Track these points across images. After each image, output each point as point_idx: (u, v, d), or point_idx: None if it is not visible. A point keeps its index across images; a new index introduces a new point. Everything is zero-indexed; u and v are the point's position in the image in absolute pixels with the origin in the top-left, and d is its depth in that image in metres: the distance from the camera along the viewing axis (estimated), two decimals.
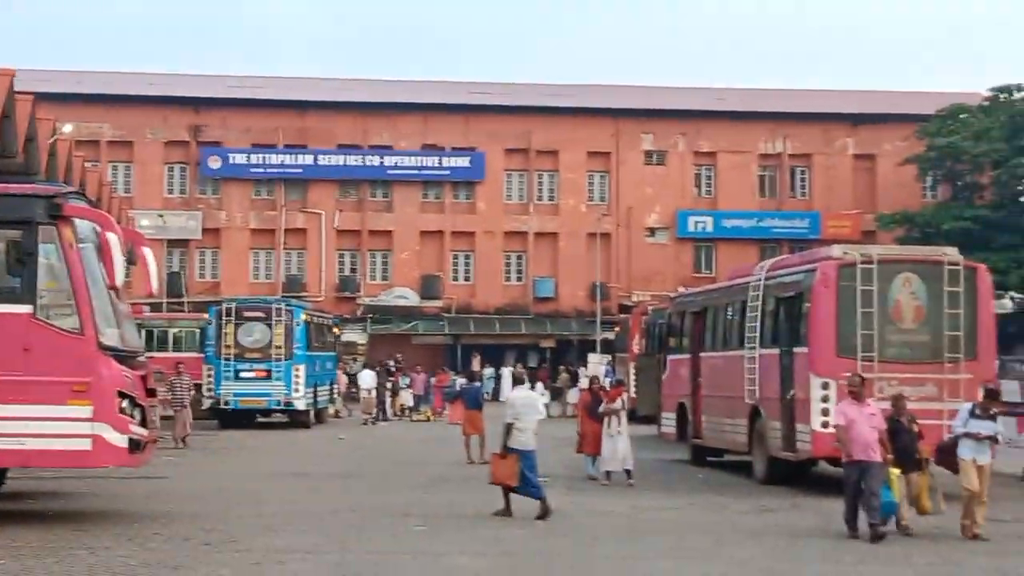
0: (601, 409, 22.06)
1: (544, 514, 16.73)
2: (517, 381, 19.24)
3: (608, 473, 21.81)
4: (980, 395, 16.84)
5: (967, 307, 20.13)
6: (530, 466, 17.01)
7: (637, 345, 38.53)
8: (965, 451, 15.81)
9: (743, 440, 22.90)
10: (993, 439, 16.05)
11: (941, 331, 20.02)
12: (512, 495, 17.05)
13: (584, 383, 47.06)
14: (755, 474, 22.22)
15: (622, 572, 12.79)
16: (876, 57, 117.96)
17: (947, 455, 16.10)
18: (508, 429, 17.11)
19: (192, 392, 31.15)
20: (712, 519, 17.53)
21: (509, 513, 16.96)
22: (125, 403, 15.20)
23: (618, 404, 22.08)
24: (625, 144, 64.11)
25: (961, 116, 58.74)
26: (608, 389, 23.42)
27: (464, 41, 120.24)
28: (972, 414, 15.94)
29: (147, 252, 16.70)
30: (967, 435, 15.84)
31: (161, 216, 60.71)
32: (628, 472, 21.74)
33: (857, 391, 16.01)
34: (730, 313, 24.49)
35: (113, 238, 15.18)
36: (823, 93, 67.45)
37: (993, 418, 16.07)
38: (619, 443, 21.80)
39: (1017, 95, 58.03)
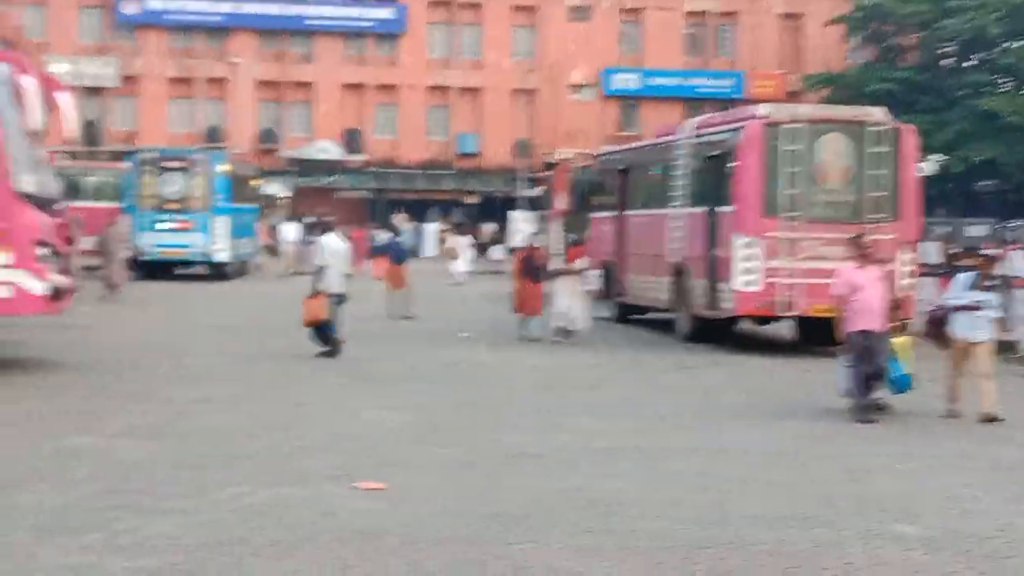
0: (562, 268, 22.08)
1: (331, 353, 18.19)
2: (326, 228, 20.03)
3: (561, 329, 21.45)
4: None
5: (891, 168, 20.19)
6: (336, 309, 18.50)
7: (561, 203, 38.40)
8: (962, 327, 14.15)
9: (667, 298, 23.00)
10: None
11: (865, 192, 20.09)
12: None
13: (517, 241, 47.12)
14: (678, 332, 22.37)
15: (542, 426, 12.83)
16: None
17: (936, 327, 14.62)
18: (319, 271, 18.58)
19: (127, 241, 30.68)
20: (633, 375, 17.67)
21: (335, 352, 18.26)
22: (45, 251, 14.92)
23: (580, 264, 21.96)
24: None
25: None
26: (536, 248, 23.19)
27: None
28: (972, 285, 14.23)
29: (63, 97, 16.24)
30: (965, 308, 14.14)
31: (76, 63, 59.30)
32: (571, 332, 21.45)
33: (866, 254, 14.18)
34: (656, 172, 24.43)
35: (29, 81, 14.75)
36: None
37: (991, 290, 14.52)
38: (575, 303, 21.54)
39: None
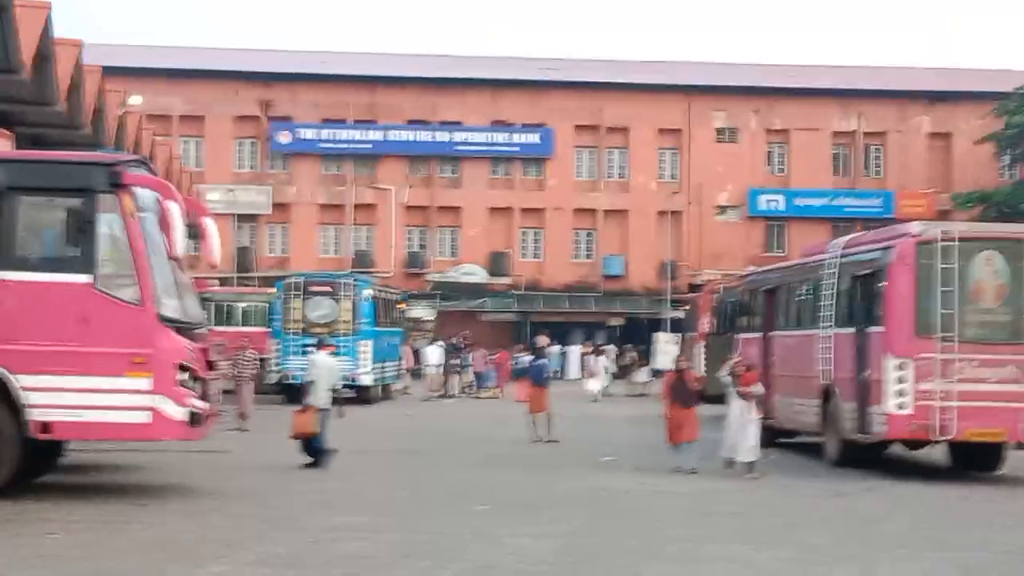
0: (740, 391, 20.00)
1: (318, 464, 19.03)
2: (320, 345, 20.93)
3: (731, 461, 19.87)
4: None
5: None
6: (323, 422, 19.29)
7: (706, 324, 37.96)
8: None
9: (815, 421, 22.36)
10: None
11: (1023, 311, 19.36)
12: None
13: (662, 362, 46.76)
14: (826, 456, 21.67)
15: (690, 555, 12.38)
16: (953, 34, 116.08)
17: None
18: (309, 387, 19.40)
19: (256, 367, 30.92)
20: (782, 502, 17.07)
21: (317, 464, 19.03)
22: (185, 376, 14.95)
23: (758, 388, 20.22)
24: (696, 121, 63.43)
25: None
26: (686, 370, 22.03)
27: (533, 17, 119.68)
28: None
29: (209, 223, 16.38)
30: None
31: (231, 191, 60.83)
32: (751, 464, 19.72)
33: None
34: (803, 291, 23.94)
35: (174, 207, 14.91)
36: (898, 70, 66.44)
37: None
38: (750, 430, 19.77)
39: None
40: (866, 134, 63.96)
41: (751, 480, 19.09)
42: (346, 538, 13.01)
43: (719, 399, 29.45)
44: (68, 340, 14.64)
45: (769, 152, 64.42)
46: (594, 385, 41.66)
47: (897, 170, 63.68)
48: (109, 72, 29.73)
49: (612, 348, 49.95)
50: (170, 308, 15.06)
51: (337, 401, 20.08)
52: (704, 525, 14.63)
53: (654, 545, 13.09)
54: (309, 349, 35.21)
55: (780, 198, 63.35)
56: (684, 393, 20.57)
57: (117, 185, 14.88)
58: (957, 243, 19.45)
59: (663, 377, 25.32)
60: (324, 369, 19.86)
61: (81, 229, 14.86)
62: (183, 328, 15.29)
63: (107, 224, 14.91)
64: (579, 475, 19.37)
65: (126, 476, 17.87)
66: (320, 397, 19.59)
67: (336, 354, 35.28)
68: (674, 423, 20.42)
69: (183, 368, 14.92)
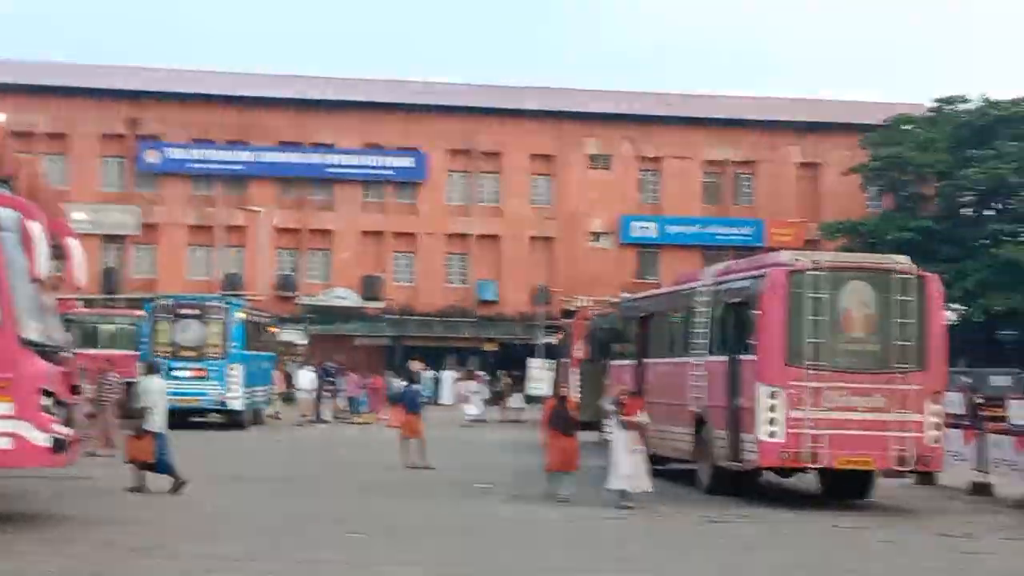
0: (624, 420, 19.21)
1: (177, 488, 18.80)
2: (151, 370, 20.29)
3: (624, 493, 18.94)
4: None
5: (918, 317, 19.74)
6: (162, 446, 19.13)
7: (580, 350, 38.03)
8: None
9: (688, 448, 22.44)
10: None
11: (891, 341, 19.62)
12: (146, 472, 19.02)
13: (535, 388, 46.84)
14: (700, 483, 21.75)
15: None
16: (822, 66, 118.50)
17: None
18: (143, 413, 19.02)
19: (121, 391, 30.11)
20: (656, 528, 17.06)
21: (142, 489, 18.84)
22: (48, 400, 14.47)
23: (643, 417, 19.51)
24: (569, 147, 63.79)
25: (906, 127, 58.83)
26: (566, 397, 21.34)
27: (408, 40, 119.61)
28: None
29: (73, 243, 15.93)
30: None
31: (97, 210, 59.64)
32: (626, 494, 18.97)
33: None
34: (676, 319, 24.04)
35: (36, 227, 14.45)
36: (770, 100, 67.48)
37: None
38: (640, 460, 19.05)
39: (961, 107, 58.21)
40: (737, 163, 64.88)
41: (626, 509, 18.77)
42: (219, 567, 12.68)
43: (594, 426, 29.65)
44: None
45: (641, 179, 64.97)
46: (471, 410, 42.53)
47: (767, 199, 64.66)
48: None
49: (483, 374, 49.87)
50: (33, 330, 14.57)
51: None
52: (578, 552, 14.54)
53: (530, 573, 12.94)
54: (177, 372, 34.84)
55: (652, 225, 63.93)
56: (565, 420, 20.17)
57: None
58: (826, 273, 19.69)
59: (543, 403, 25.05)
60: (158, 394, 19.53)
61: None
62: (47, 351, 14.81)
63: None
64: (454, 502, 19.18)
65: None
66: (156, 422, 19.27)
67: (205, 378, 35.32)
68: (554, 451, 20.00)
69: (46, 393, 14.44)
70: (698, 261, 55.81)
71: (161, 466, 19.12)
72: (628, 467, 18.92)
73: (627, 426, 19.29)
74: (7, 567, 12.31)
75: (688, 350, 22.43)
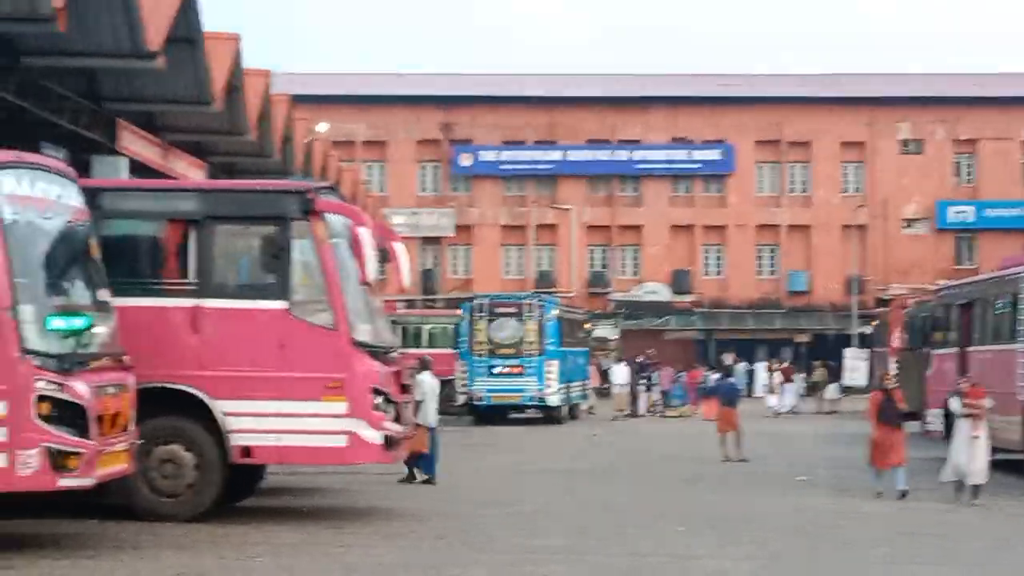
0: (968, 404, 18.57)
1: (415, 480, 19.55)
2: (424, 366, 20.10)
3: (959, 484, 18.43)
4: None
5: None
6: (432, 440, 19.58)
7: (897, 339, 37.10)
8: None
9: (1016, 439, 21.65)
10: None
11: None
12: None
13: (851, 379, 45.96)
14: None
15: None
16: None
17: None
18: (418, 406, 18.76)
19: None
20: (986, 522, 16.54)
21: (413, 479, 19.51)
22: (379, 399, 15.07)
23: (986, 403, 18.78)
24: (880, 133, 62.33)
25: None
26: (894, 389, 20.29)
27: (710, 34, 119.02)
28: None
29: (398, 247, 16.49)
30: None
31: (415, 214, 61.64)
32: (977, 488, 18.35)
33: None
34: (1002, 306, 23.23)
35: (365, 233, 15.03)
36: None
37: None
38: (978, 451, 18.30)
39: None
40: None
41: (976, 507, 17.96)
42: (545, 560, 12.94)
43: (914, 416, 28.89)
44: (265, 366, 14.82)
45: (956, 163, 62.91)
46: (772, 400, 42.63)
47: None
48: (296, 100, 30.38)
49: (791, 365, 49.09)
50: (363, 332, 15.19)
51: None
52: (905, 547, 14.24)
53: (859, 567, 12.77)
54: (495, 369, 35.72)
55: (970, 209, 61.82)
56: (892, 414, 19.53)
57: (310, 212, 15.01)
58: None
59: (868, 396, 24.34)
60: (429, 388, 19.87)
61: (276, 256, 15.02)
62: (376, 352, 15.41)
63: (300, 251, 15.07)
64: (774, 495, 19.05)
65: (323, 499, 18.06)
66: (429, 416, 19.64)
67: (522, 375, 36.07)
68: (881, 445, 19.36)
69: (377, 392, 15.03)
70: (1020, 246, 53.58)
71: (426, 459, 19.51)
72: (965, 458, 18.29)
73: (973, 413, 18.53)
74: (351, 560, 12.70)
75: (1015, 337, 21.65)
